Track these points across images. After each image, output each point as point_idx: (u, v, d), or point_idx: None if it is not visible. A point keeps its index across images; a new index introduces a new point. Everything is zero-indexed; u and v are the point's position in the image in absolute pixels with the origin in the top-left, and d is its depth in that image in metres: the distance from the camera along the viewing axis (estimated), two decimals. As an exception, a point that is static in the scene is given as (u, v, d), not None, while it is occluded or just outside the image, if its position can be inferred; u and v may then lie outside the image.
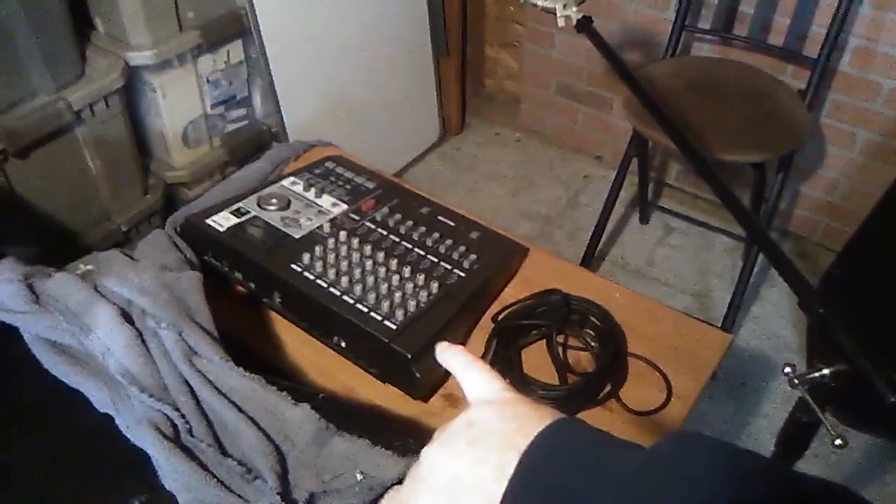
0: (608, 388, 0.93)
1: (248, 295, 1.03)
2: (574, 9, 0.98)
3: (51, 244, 1.52)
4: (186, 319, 0.76)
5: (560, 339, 0.99)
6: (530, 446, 0.40)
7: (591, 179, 2.36)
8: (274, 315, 1.02)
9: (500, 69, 2.54)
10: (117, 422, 0.69)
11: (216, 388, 0.70)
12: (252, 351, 1.00)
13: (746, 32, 1.83)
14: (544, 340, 0.99)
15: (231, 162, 1.90)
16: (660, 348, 0.98)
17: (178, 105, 1.71)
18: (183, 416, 0.68)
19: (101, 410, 0.71)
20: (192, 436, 0.67)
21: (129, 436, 0.68)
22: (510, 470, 0.40)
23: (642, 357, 0.97)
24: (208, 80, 1.74)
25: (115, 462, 0.68)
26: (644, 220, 2.19)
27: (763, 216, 1.75)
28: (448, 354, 0.55)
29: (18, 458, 0.69)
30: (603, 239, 1.99)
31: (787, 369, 0.63)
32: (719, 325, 1.84)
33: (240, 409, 0.69)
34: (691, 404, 0.93)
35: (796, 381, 0.61)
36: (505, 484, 0.39)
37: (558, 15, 0.98)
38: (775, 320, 1.91)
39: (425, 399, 0.92)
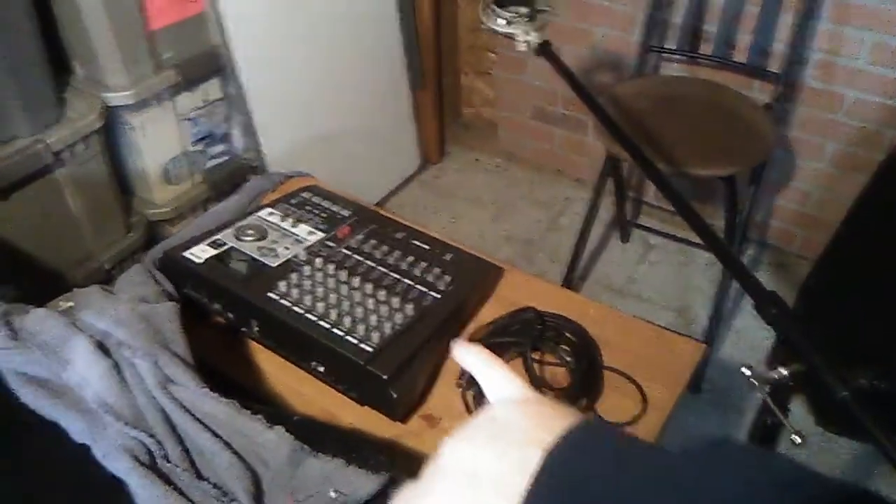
0: (585, 401, 0.95)
1: (226, 325, 1.04)
2: (533, 34, 1.01)
3: (34, 284, 1.53)
4: (162, 349, 0.77)
5: (536, 355, 1.01)
6: (556, 442, 0.39)
7: (571, 201, 2.40)
8: (253, 344, 1.03)
9: (477, 97, 2.58)
10: (94, 451, 0.70)
11: (190, 414, 0.71)
12: (232, 380, 1.01)
13: (711, 51, 1.88)
14: (520, 357, 1.00)
15: (213, 197, 1.92)
16: (634, 360, 1.00)
17: (157, 143, 1.73)
18: (158, 442, 0.69)
19: (78, 441, 0.71)
20: (168, 461, 0.68)
21: (105, 464, 0.68)
22: (532, 465, 0.39)
23: (617, 370, 0.99)
24: (187, 118, 1.77)
25: (92, 493, 0.69)
26: (625, 238, 2.22)
27: (737, 229, 1.78)
28: (467, 353, 0.55)
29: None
30: (584, 259, 2.02)
31: (746, 371, 0.65)
32: (702, 339, 1.86)
33: (214, 434, 0.70)
34: (667, 414, 0.95)
35: (755, 383, 0.63)
36: (527, 478, 0.38)
37: (518, 40, 1.01)
38: (757, 332, 1.93)
39: (404, 420, 0.93)
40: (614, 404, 0.95)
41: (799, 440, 0.60)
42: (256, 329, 1.01)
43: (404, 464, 0.90)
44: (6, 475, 0.71)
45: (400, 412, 0.92)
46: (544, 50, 0.99)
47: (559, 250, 2.16)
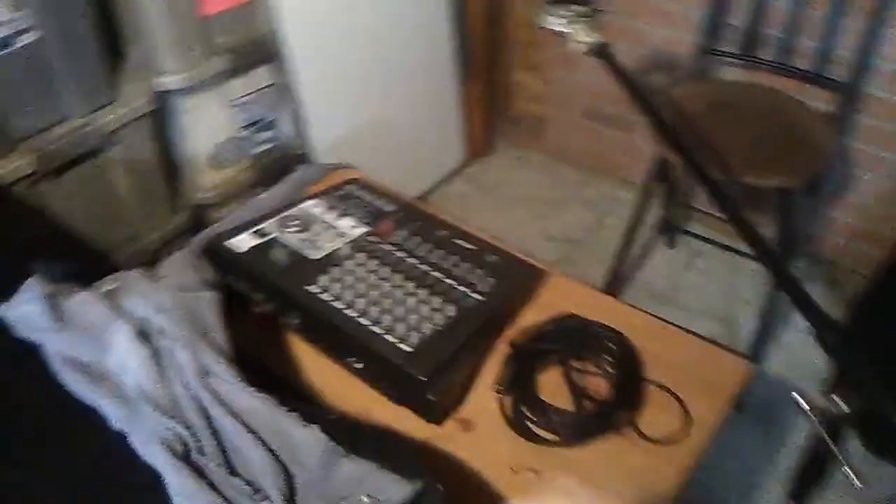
0: (624, 414, 0.92)
1: (267, 315, 1.04)
2: (591, 34, 0.98)
3: (82, 262, 1.55)
4: (201, 339, 0.77)
5: (577, 364, 0.99)
6: None
7: (618, 203, 2.35)
8: (292, 335, 1.03)
9: (526, 92, 2.55)
10: (131, 439, 0.70)
11: (227, 407, 0.71)
12: (270, 370, 1.01)
13: (771, 56, 1.82)
14: (561, 365, 0.98)
15: (259, 183, 1.92)
16: (679, 375, 0.97)
17: (206, 128, 1.74)
18: (194, 434, 0.68)
19: (116, 428, 0.71)
20: (202, 454, 0.67)
21: (141, 453, 0.68)
22: None
23: (660, 384, 0.96)
24: (237, 104, 1.77)
25: (130, 481, 0.69)
26: (671, 244, 2.17)
27: (790, 242, 1.72)
28: None
29: (37, 477, 0.70)
30: (628, 263, 1.98)
31: (798, 398, 0.61)
32: (746, 352, 1.81)
33: (249, 429, 0.69)
34: (711, 434, 0.92)
35: (810, 414, 0.59)
36: None
37: (575, 40, 0.98)
38: (805, 348, 1.87)
39: (439, 422, 0.92)
40: (655, 419, 0.92)
41: (860, 485, 0.56)
42: (296, 322, 1.01)
43: (436, 467, 0.89)
44: (47, 459, 0.72)
45: (436, 415, 0.91)
46: (602, 52, 0.96)
47: (603, 253, 2.12)
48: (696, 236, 2.12)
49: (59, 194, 1.45)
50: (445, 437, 0.90)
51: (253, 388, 0.72)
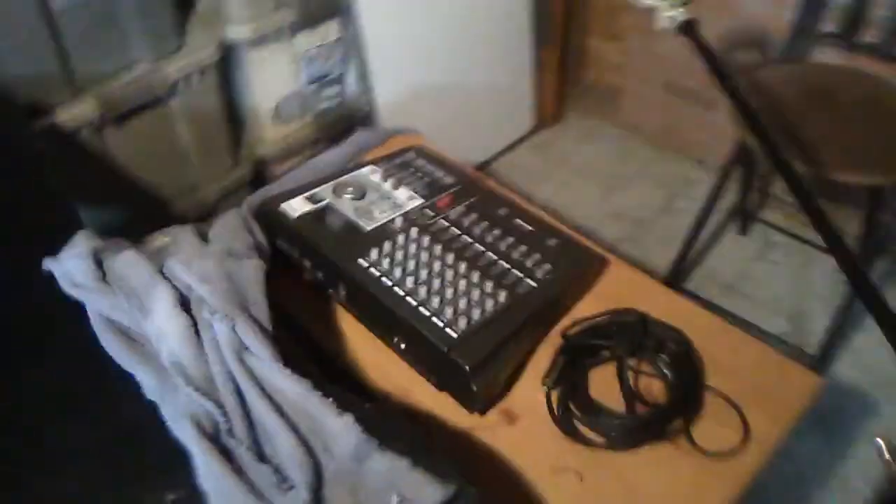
0: (679, 422, 0.87)
1: (316, 283, 1.02)
2: (678, 9, 0.90)
3: (143, 209, 1.56)
4: (242, 312, 0.74)
5: (632, 363, 0.93)
6: None
7: (691, 183, 2.24)
8: (339, 307, 1.01)
9: (604, 61, 2.44)
10: (162, 411, 0.69)
11: (261, 389, 0.68)
12: (313, 339, 0.99)
13: (876, 39, 1.67)
14: (615, 363, 0.93)
15: (321, 139, 1.90)
16: (741, 384, 0.91)
17: (272, 81, 1.72)
18: (225, 413, 0.66)
19: (149, 397, 0.70)
20: (232, 436, 0.65)
21: (171, 427, 0.67)
22: None
23: (720, 392, 0.90)
24: (303, 58, 1.74)
25: (159, 453, 0.67)
26: (743, 231, 2.06)
27: (874, 241, 1.60)
28: None
29: (70, 441, 0.70)
30: (696, 248, 1.88)
31: (880, 444, 0.55)
32: (814, 352, 1.71)
33: (281, 413, 0.67)
34: (770, 451, 0.86)
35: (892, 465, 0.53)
36: None
37: (661, 14, 0.90)
38: (877, 353, 1.76)
39: (482, 413, 0.88)
40: (711, 430, 0.86)
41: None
42: (343, 294, 0.98)
43: (473, 459, 0.86)
44: (79, 421, 0.71)
45: (478, 405, 0.87)
46: (688, 28, 0.88)
47: (671, 235, 2.03)
48: (772, 226, 2.01)
49: (121, 142, 1.45)
50: (487, 427, 0.87)
51: (289, 370, 0.69)
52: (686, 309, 1.02)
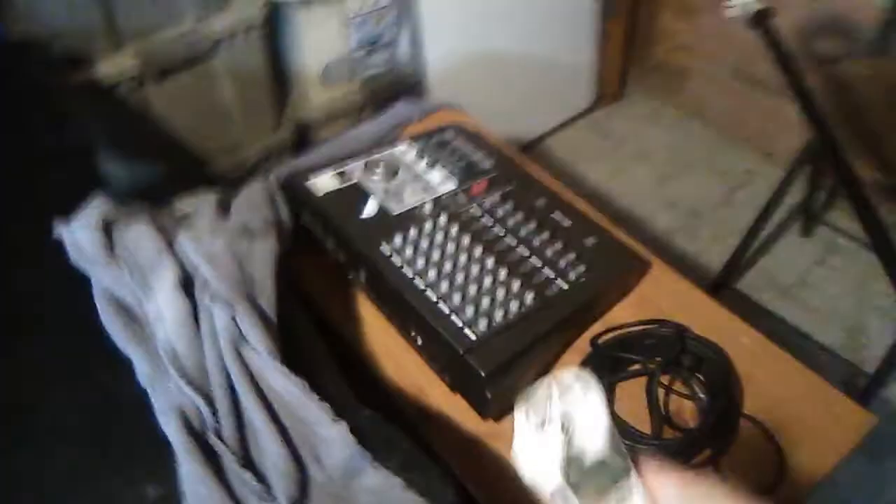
0: (709, 451, 0.80)
1: (338, 264, 0.97)
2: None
3: (180, 167, 1.54)
4: (245, 299, 0.70)
5: (664, 380, 0.86)
6: None
7: (754, 176, 2.11)
8: (359, 291, 0.96)
9: (672, 39, 2.30)
10: (152, 400, 0.65)
11: (255, 386, 0.64)
12: (331, 322, 0.95)
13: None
14: (645, 378, 0.86)
15: (367, 105, 1.84)
16: (783, 415, 0.83)
17: (320, 43, 1.66)
18: (214, 411, 0.63)
19: (141, 384, 0.67)
20: (219, 436, 0.61)
21: (158, 418, 0.64)
22: None
23: (758, 421, 0.82)
24: (353, 21, 1.68)
25: (145, 444, 0.64)
26: (806, 232, 1.93)
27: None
28: None
29: (58, 417, 0.67)
30: (754, 245, 1.77)
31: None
32: (868, 369, 1.60)
33: (273, 416, 0.63)
34: (808, 491, 0.78)
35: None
36: None
37: (732, 3, 0.81)
38: (943, 375, 1.64)
39: (496, 419, 0.83)
40: (743, 461, 0.79)
41: None
42: (364, 279, 0.93)
43: (484, 466, 0.81)
44: (74, 403, 0.68)
45: (491, 413, 0.82)
46: (761, 20, 0.78)
47: (727, 230, 1.92)
48: (837, 229, 1.88)
49: (162, 98, 1.43)
50: (499, 434, 0.81)
51: (286, 368, 0.64)
52: (731, 325, 0.94)
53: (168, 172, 1.52)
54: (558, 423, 0.47)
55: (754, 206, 1.72)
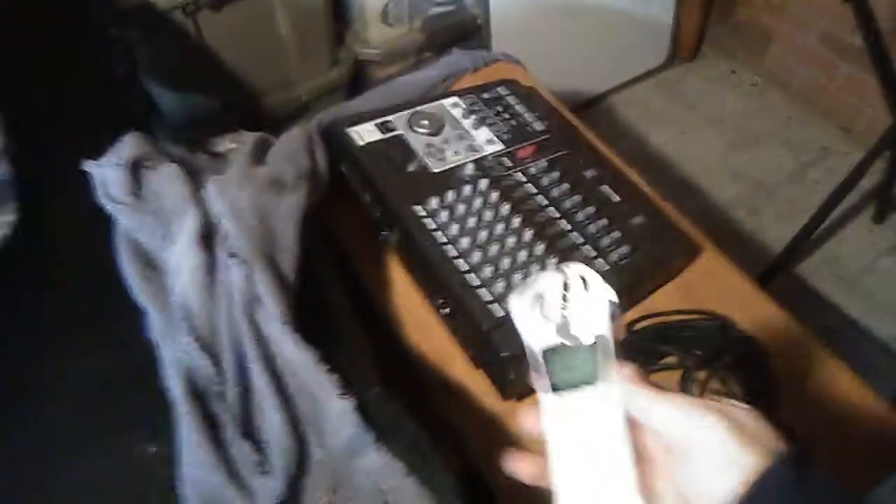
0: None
1: (373, 220, 0.94)
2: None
3: (231, 101, 1.52)
4: (263, 258, 0.68)
5: (701, 376, 0.81)
6: None
7: (830, 154, 1.98)
8: (392, 251, 0.93)
9: (759, -3, 2.15)
10: (161, 354, 0.64)
11: (264, 351, 0.62)
12: (361, 279, 0.93)
13: None
14: (680, 373, 0.81)
15: (427, 47, 1.78)
16: (826, 430, 0.77)
17: (381, -21, 1.60)
18: (220, 374, 0.61)
19: (152, 337, 0.66)
20: (222, 400, 0.60)
21: (165, 375, 0.62)
22: None
23: (796, 433, 0.77)
24: (419, -42, 1.61)
25: (151, 399, 0.63)
26: (879, 219, 1.81)
27: None
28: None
29: (67, 364, 0.66)
30: (820, 228, 1.67)
31: None
32: (932, 371, 1.51)
33: (279, 385, 0.61)
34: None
35: None
36: None
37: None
38: None
39: (518, 399, 0.80)
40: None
41: None
42: (395, 239, 0.90)
43: (502, 445, 0.78)
44: (82, 355, 0.67)
45: (511, 394, 0.78)
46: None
47: (794, 208, 1.81)
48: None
49: (217, 27, 1.40)
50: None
51: (299, 336, 0.62)
52: (781, 323, 0.88)
53: (219, 105, 1.50)
54: (558, 299, 0.45)
55: (826, 186, 1.61)
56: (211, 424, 0.58)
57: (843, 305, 1.64)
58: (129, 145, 0.79)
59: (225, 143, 1.01)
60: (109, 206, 0.74)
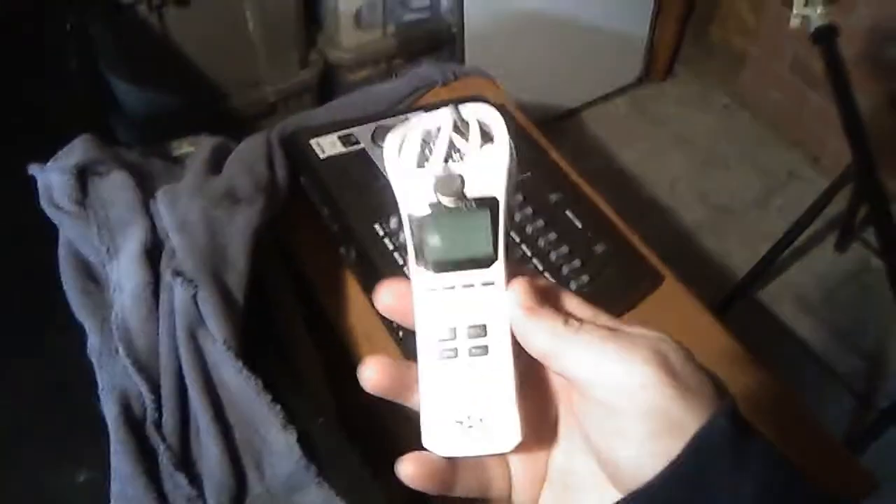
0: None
1: (331, 235, 0.92)
2: (819, 9, 0.71)
3: (196, 100, 1.48)
4: (210, 277, 0.65)
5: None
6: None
7: (796, 181, 2.00)
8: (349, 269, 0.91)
9: (734, 21, 2.16)
10: (97, 376, 0.61)
11: (206, 378, 0.60)
12: (316, 294, 0.90)
13: None
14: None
15: (399, 54, 1.76)
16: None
17: (356, -17, 1.58)
18: (157, 400, 0.58)
19: (89, 356, 0.63)
20: (158, 428, 0.57)
21: (101, 397, 0.59)
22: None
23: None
24: (394, -37, 1.59)
25: (85, 421, 0.60)
26: (841, 247, 1.83)
27: None
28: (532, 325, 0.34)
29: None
30: (784, 254, 1.69)
31: None
32: (884, 403, 1.53)
33: (219, 415, 0.58)
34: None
35: None
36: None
37: (794, 13, 0.72)
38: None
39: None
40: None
41: None
42: (353, 257, 0.88)
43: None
44: (19, 371, 0.63)
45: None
46: (824, 35, 0.70)
47: (758, 233, 1.82)
48: (874, 249, 1.77)
49: (184, 22, 1.36)
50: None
51: (241, 364, 0.60)
52: (737, 356, 0.87)
53: (183, 103, 1.46)
54: (444, 147, 0.35)
55: (791, 213, 1.63)
56: (145, 453, 0.55)
57: (803, 333, 1.66)
58: (78, 149, 0.76)
59: (182, 147, 0.98)
60: (52, 214, 0.71)
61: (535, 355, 0.34)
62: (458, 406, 0.34)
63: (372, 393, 0.35)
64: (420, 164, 0.36)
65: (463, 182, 0.35)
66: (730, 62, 2.20)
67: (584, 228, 0.91)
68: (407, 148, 0.36)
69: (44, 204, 0.72)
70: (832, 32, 0.70)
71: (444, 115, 0.36)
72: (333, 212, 0.89)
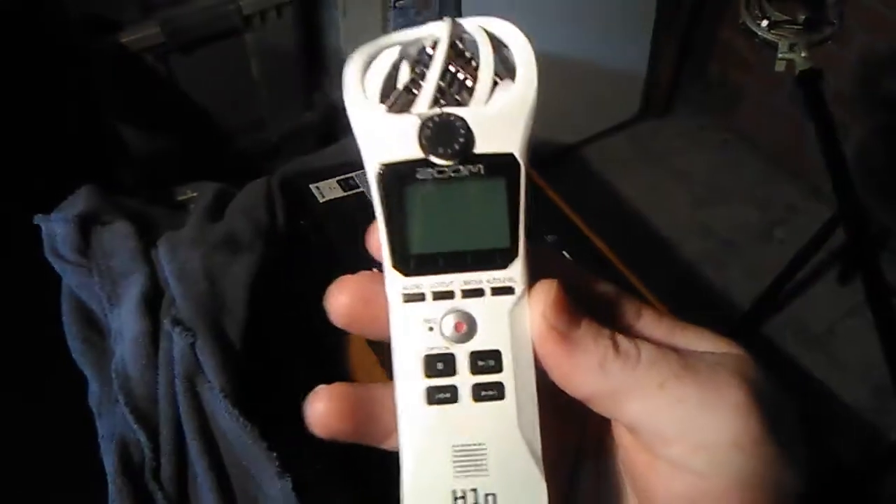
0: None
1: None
2: (803, 53, 0.73)
3: (201, 142, 1.51)
4: (208, 326, 0.66)
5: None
6: None
7: (797, 213, 2.01)
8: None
9: (732, 56, 2.19)
10: (98, 425, 0.62)
11: (203, 427, 0.60)
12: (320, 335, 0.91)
13: None
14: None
15: (403, 95, 1.79)
16: None
17: (358, 27, 1.60)
18: (155, 449, 0.59)
19: (90, 404, 0.63)
20: (155, 478, 0.58)
21: (102, 446, 0.60)
22: None
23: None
24: (395, 6, 1.62)
25: (84, 469, 0.61)
26: (843, 280, 1.83)
27: None
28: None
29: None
30: (786, 288, 1.69)
31: None
32: (892, 434, 1.52)
33: (217, 464, 0.59)
34: None
35: None
36: None
37: (779, 55, 0.74)
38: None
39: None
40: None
41: None
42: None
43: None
44: (22, 419, 0.64)
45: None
46: (807, 79, 0.71)
47: (761, 266, 1.83)
48: (878, 281, 1.77)
49: (188, 67, 1.39)
50: None
51: (237, 411, 0.60)
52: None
53: (188, 145, 1.49)
54: (430, 96, 0.24)
55: (794, 245, 1.63)
56: (143, 501, 0.56)
57: (807, 366, 1.65)
58: (81, 199, 0.78)
59: (185, 192, 1.00)
60: (56, 263, 0.73)
61: (574, 396, 0.24)
62: (455, 476, 0.24)
63: (327, 438, 0.26)
64: (398, 104, 0.24)
65: (468, 134, 0.24)
66: (728, 97, 2.22)
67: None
68: (377, 78, 0.24)
69: (47, 253, 0.74)
70: (816, 76, 0.72)
71: (438, 30, 0.24)
72: (328, 259, 0.90)
